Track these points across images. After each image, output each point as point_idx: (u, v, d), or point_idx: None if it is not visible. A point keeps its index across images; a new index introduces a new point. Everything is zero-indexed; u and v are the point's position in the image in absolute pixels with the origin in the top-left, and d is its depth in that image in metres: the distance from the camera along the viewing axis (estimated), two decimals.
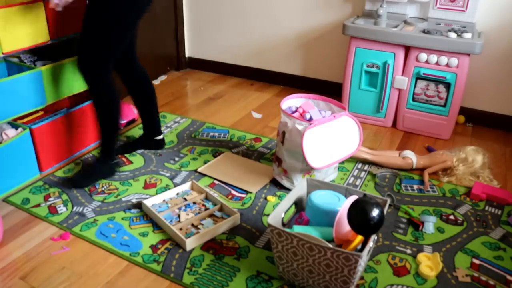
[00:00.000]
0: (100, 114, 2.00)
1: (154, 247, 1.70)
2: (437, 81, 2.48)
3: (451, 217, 1.89)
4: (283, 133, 1.97)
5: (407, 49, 2.52)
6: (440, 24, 2.56)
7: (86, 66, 1.91)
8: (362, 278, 1.57)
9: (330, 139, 1.91)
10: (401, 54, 2.51)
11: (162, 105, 2.95)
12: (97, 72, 1.92)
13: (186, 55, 3.64)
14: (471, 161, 2.16)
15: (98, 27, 1.85)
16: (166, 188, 2.06)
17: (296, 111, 2.00)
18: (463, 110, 2.74)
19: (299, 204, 1.76)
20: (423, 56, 2.44)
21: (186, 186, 2.04)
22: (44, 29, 2.03)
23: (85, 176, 2.07)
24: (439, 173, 2.19)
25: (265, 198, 2.00)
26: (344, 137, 1.96)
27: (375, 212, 1.37)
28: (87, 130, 2.34)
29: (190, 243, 1.68)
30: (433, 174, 2.18)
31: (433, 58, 2.42)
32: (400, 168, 2.20)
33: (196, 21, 3.49)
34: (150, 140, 2.36)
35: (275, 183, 2.10)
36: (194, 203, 1.93)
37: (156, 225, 1.81)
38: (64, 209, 1.90)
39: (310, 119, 1.92)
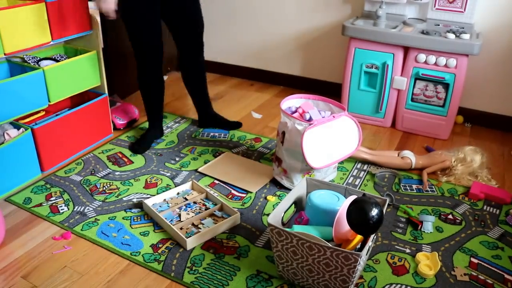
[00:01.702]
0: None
1: (154, 247, 1.71)
2: (436, 82, 2.49)
3: (450, 216, 1.90)
4: (283, 133, 1.98)
5: (406, 49, 2.53)
6: (438, 25, 2.57)
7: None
8: (361, 277, 1.58)
9: (329, 139, 1.92)
10: (400, 54, 2.52)
11: None
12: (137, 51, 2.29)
13: None
14: (469, 161, 2.17)
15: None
16: (167, 187, 2.07)
17: (295, 111, 2.02)
18: (461, 111, 2.75)
19: (298, 204, 1.78)
20: (422, 56, 2.46)
21: (187, 185, 2.05)
22: (46, 29, 2.05)
23: (140, 143, 2.39)
24: (438, 173, 2.20)
25: (265, 198, 2.01)
26: (343, 137, 1.97)
27: (374, 212, 1.38)
28: (88, 130, 2.35)
29: (191, 243, 1.69)
30: (432, 174, 2.20)
31: (432, 58, 2.44)
32: (399, 168, 2.22)
33: None
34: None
35: (275, 183, 2.11)
36: (195, 202, 1.95)
37: (157, 225, 1.82)
38: (66, 208, 1.91)
39: (310, 119, 1.93)
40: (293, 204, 1.74)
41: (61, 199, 1.98)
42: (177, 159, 2.31)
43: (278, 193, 2.05)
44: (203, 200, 1.96)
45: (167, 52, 3.49)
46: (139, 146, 2.37)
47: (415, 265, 1.63)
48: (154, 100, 2.42)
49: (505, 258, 1.68)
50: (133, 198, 1.99)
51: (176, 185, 2.09)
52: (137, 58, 2.29)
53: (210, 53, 3.55)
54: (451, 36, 2.38)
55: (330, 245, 1.38)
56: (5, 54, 1.91)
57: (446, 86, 2.48)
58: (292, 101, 2.12)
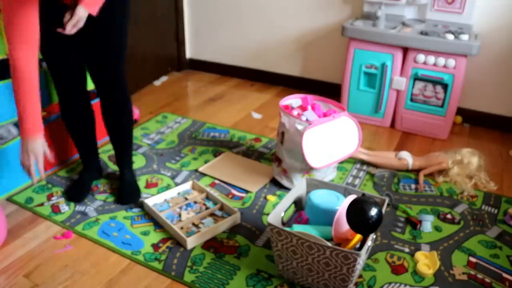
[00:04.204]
0: (131, 126, 1.98)
1: (155, 246, 1.72)
2: (435, 82, 2.50)
3: (448, 216, 1.91)
4: (282, 133, 1.99)
5: (405, 50, 2.54)
6: (437, 25, 2.58)
7: (124, 81, 1.85)
8: (360, 276, 1.59)
9: (329, 139, 1.93)
10: (399, 55, 2.53)
11: (163, 105, 2.98)
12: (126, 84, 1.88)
13: (187, 56, 3.66)
14: (466, 163, 2.17)
15: (124, 39, 1.78)
16: (167, 187, 2.08)
17: (293, 109, 2.03)
18: (460, 111, 2.76)
19: (298, 204, 1.78)
20: (421, 57, 2.47)
21: (187, 185, 2.06)
22: None
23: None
24: (435, 174, 2.20)
25: (265, 198, 2.02)
26: (343, 137, 1.98)
27: (373, 211, 1.39)
28: None
29: (191, 242, 1.70)
30: (429, 175, 2.20)
31: (431, 59, 2.45)
32: (396, 169, 2.23)
33: (196, 22, 3.51)
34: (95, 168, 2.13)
35: (275, 183, 2.12)
36: (195, 202, 1.96)
37: (157, 224, 1.83)
38: (67, 208, 1.92)
39: (307, 121, 1.94)
40: (293, 204, 1.75)
41: (63, 198, 1.98)
42: (177, 159, 2.32)
43: (278, 193, 2.06)
44: (203, 200, 1.97)
45: (167, 53, 3.51)
46: (77, 192, 1.98)
47: (414, 264, 1.65)
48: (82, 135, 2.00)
49: (503, 257, 1.69)
50: None
51: (177, 185, 2.10)
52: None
53: (210, 53, 3.56)
54: (450, 36, 2.39)
55: (330, 245, 1.39)
56: (6, 55, 1.92)
57: (445, 86, 2.49)
58: (292, 101, 2.13)
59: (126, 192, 1.98)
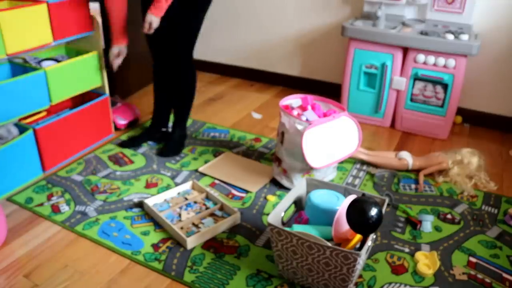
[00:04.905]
0: (191, 94, 2.36)
1: (155, 246, 1.72)
2: (435, 82, 2.50)
3: (449, 216, 1.91)
4: (282, 133, 2.00)
5: (405, 50, 2.54)
6: (437, 25, 2.58)
7: (186, 58, 2.22)
8: (360, 276, 1.59)
9: (329, 139, 1.94)
10: (399, 55, 2.53)
11: None
12: (191, 60, 2.26)
13: None
14: (466, 163, 2.17)
15: (195, 23, 2.16)
16: (167, 187, 2.08)
17: (293, 109, 2.03)
18: (460, 111, 2.76)
19: (298, 204, 1.79)
20: (421, 57, 2.47)
21: (187, 185, 2.06)
22: (47, 30, 2.06)
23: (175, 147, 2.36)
24: (435, 174, 2.20)
25: (265, 198, 2.02)
26: (343, 137, 1.98)
27: (373, 211, 1.40)
28: (89, 130, 2.36)
29: (191, 242, 1.70)
30: (429, 175, 2.21)
31: (431, 59, 2.45)
32: (396, 169, 2.23)
33: None
34: (158, 131, 2.49)
35: (275, 183, 2.12)
36: (195, 202, 1.96)
37: (157, 224, 1.84)
38: (67, 208, 1.92)
39: (307, 121, 1.94)
40: (293, 204, 1.75)
41: (62, 198, 1.99)
42: (177, 159, 2.32)
43: (278, 193, 2.06)
44: (203, 200, 1.98)
45: None
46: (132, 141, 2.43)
47: (414, 264, 1.65)
48: None
49: (503, 257, 1.69)
50: (133, 198, 2.00)
51: (177, 185, 2.10)
52: (189, 59, 2.26)
53: (210, 53, 3.57)
54: (450, 36, 2.39)
55: (330, 245, 1.39)
56: (7, 54, 1.93)
57: (445, 86, 2.49)
58: (292, 101, 2.13)
59: (170, 147, 2.34)
